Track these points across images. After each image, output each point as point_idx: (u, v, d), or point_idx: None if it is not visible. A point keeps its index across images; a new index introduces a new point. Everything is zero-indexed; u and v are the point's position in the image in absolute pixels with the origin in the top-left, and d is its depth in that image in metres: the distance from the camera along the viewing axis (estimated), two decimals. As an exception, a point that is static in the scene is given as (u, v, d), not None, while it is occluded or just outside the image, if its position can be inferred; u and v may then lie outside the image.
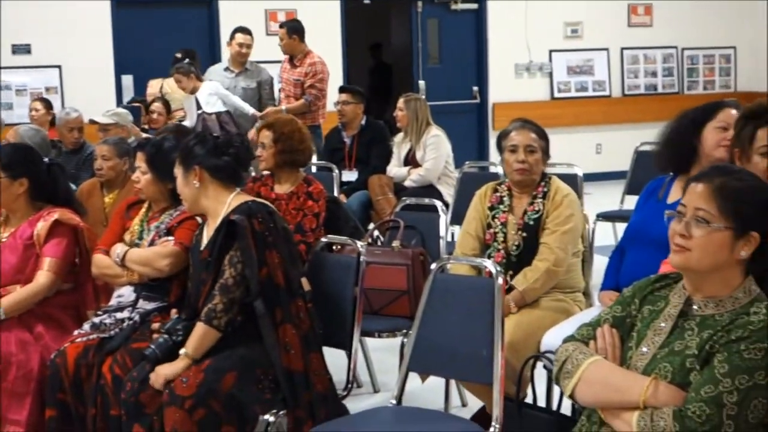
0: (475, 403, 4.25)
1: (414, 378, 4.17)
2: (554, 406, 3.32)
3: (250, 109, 8.02)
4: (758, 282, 2.37)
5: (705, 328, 2.31)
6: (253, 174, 5.15)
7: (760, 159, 3.21)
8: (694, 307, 2.38)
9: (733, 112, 3.61)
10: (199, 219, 3.77)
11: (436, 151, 6.93)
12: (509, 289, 4.04)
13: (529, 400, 3.41)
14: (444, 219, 5.05)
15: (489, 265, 3.58)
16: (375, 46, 14.26)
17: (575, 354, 2.45)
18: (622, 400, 2.31)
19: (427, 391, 4.41)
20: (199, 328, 3.43)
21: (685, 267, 2.37)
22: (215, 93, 7.92)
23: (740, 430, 2.18)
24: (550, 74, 11.95)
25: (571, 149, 10.29)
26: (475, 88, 11.76)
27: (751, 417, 2.18)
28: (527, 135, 4.22)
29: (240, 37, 8.33)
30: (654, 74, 12.46)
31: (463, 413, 4.35)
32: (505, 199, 4.26)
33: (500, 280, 3.36)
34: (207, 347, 3.43)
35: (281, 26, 8.56)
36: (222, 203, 3.57)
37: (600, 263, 4.35)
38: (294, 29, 8.37)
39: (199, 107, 7.95)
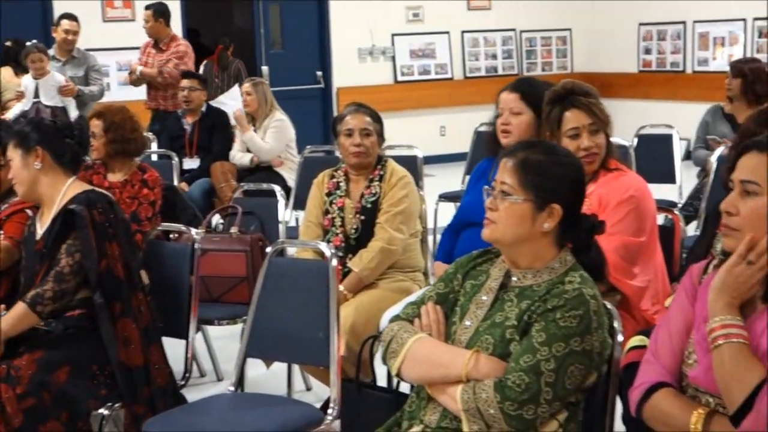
0: (320, 388, 4.26)
1: (259, 365, 4.16)
2: (395, 386, 3.36)
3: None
4: (576, 252, 2.45)
5: (523, 299, 2.37)
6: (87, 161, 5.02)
7: (569, 141, 3.30)
8: (514, 279, 2.44)
9: (505, 95, 3.80)
10: (29, 211, 3.64)
11: (278, 134, 6.90)
12: (347, 271, 4.07)
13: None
14: (282, 204, 5.04)
15: (323, 247, 3.60)
16: (191, 30, 13.92)
17: (400, 333, 2.48)
18: (446, 375, 2.35)
19: (272, 378, 4.40)
20: (20, 307, 3.33)
21: (492, 239, 2.44)
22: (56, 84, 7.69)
23: (558, 396, 2.25)
24: (393, 58, 12.04)
25: (416, 132, 10.43)
26: (319, 73, 11.75)
27: (568, 383, 2.25)
28: (362, 118, 4.26)
29: (66, 24, 8.05)
30: (494, 57, 12.72)
31: (307, 397, 4.37)
32: (341, 184, 4.29)
33: (334, 262, 3.38)
34: (21, 330, 3.34)
35: (147, 8, 8.33)
36: (58, 191, 3.46)
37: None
38: (160, 12, 8.18)
39: (36, 95, 7.68)
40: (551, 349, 2.24)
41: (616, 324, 2.44)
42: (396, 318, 2.56)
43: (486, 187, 2.49)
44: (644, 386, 2.22)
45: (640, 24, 12.52)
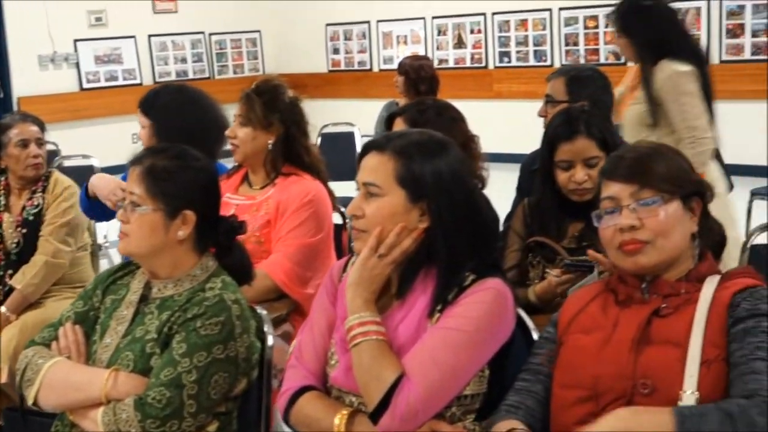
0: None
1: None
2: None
3: None
4: (219, 256, 2.38)
5: (164, 310, 2.27)
6: None
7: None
8: (154, 290, 2.33)
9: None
10: None
11: None
12: (9, 290, 3.83)
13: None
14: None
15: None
16: None
17: (35, 359, 2.31)
18: (86, 398, 2.21)
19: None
20: None
21: (127, 253, 2.32)
22: None
23: (203, 408, 2.17)
24: (77, 64, 11.55)
25: (107, 140, 10.06)
26: (-2, 83, 11.08)
27: (213, 393, 2.18)
28: (32, 128, 4.10)
29: None
30: (184, 60, 12.52)
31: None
32: (1, 198, 4.05)
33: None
34: None
35: None
36: None
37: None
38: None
39: None
40: (192, 359, 2.15)
41: (266, 327, 2.39)
42: (32, 343, 2.38)
43: (115, 199, 2.37)
44: (289, 392, 2.17)
45: (327, 24, 12.76)
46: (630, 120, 4.28)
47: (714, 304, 1.96)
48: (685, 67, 4.04)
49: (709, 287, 2.00)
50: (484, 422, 2.08)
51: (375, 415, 1.98)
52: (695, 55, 4.19)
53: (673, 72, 4.03)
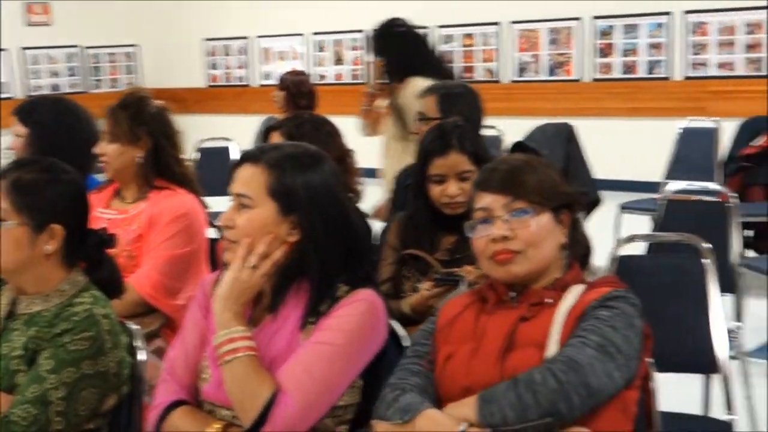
0: None
1: None
2: None
3: None
4: (89, 271, 2.34)
5: (32, 326, 2.22)
6: None
7: None
8: (22, 305, 2.28)
9: None
10: None
11: None
12: None
13: None
14: None
15: None
16: None
17: None
18: None
19: None
20: None
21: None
22: None
23: (71, 425, 2.13)
24: (-56, 77, 11.19)
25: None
26: None
27: (81, 409, 2.14)
28: None
29: None
30: (57, 74, 12.25)
31: None
32: None
33: None
34: None
35: None
36: None
37: None
38: None
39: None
40: (60, 375, 2.11)
41: (137, 342, 2.36)
42: None
43: None
44: (160, 407, 2.15)
45: (206, 39, 12.66)
46: (386, 133, 4.86)
47: (574, 309, 2.02)
48: (427, 83, 4.28)
49: (571, 295, 2.06)
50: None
51: (252, 431, 1.98)
52: (441, 73, 4.71)
53: (417, 87, 4.29)
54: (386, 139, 4.89)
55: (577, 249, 2.19)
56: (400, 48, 4.82)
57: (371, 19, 5.25)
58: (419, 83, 4.42)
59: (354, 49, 11.61)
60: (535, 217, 2.08)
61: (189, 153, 6.40)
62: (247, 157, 2.15)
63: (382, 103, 4.97)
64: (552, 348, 1.96)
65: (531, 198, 2.08)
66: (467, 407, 1.91)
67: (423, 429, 1.93)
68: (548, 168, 2.19)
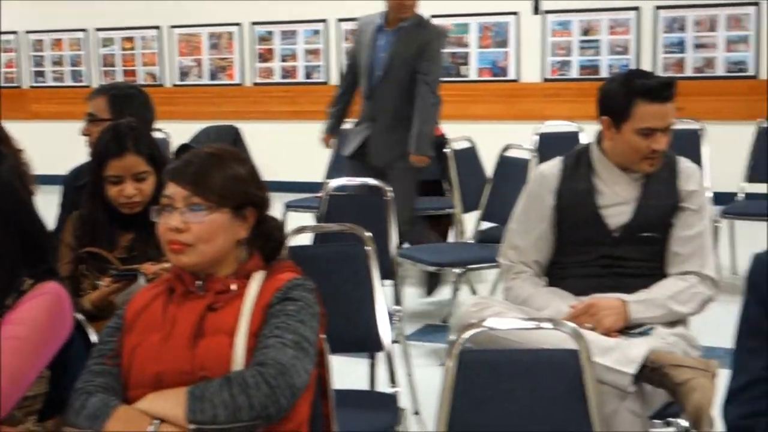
0: None
1: None
2: None
3: None
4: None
5: None
6: None
7: None
8: None
9: None
10: None
11: None
12: None
13: None
14: None
15: None
16: None
17: None
18: None
19: None
20: None
21: None
22: None
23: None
24: None
25: None
26: None
27: None
28: None
29: None
30: None
31: None
32: None
33: None
34: None
35: None
36: None
37: None
38: None
39: None
40: None
41: None
42: None
43: None
44: None
45: None
46: None
47: (260, 298, 2.18)
48: None
49: (255, 282, 2.22)
50: (49, 422, 2.13)
51: None
52: None
53: None
54: None
55: (267, 242, 2.31)
56: None
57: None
58: None
59: (8, 51, 11.13)
60: (210, 215, 2.18)
61: None
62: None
63: None
64: (241, 336, 2.11)
65: (210, 196, 2.19)
66: (171, 401, 2.01)
67: (116, 429, 2.00)
68: (241, 166, 2.29)
